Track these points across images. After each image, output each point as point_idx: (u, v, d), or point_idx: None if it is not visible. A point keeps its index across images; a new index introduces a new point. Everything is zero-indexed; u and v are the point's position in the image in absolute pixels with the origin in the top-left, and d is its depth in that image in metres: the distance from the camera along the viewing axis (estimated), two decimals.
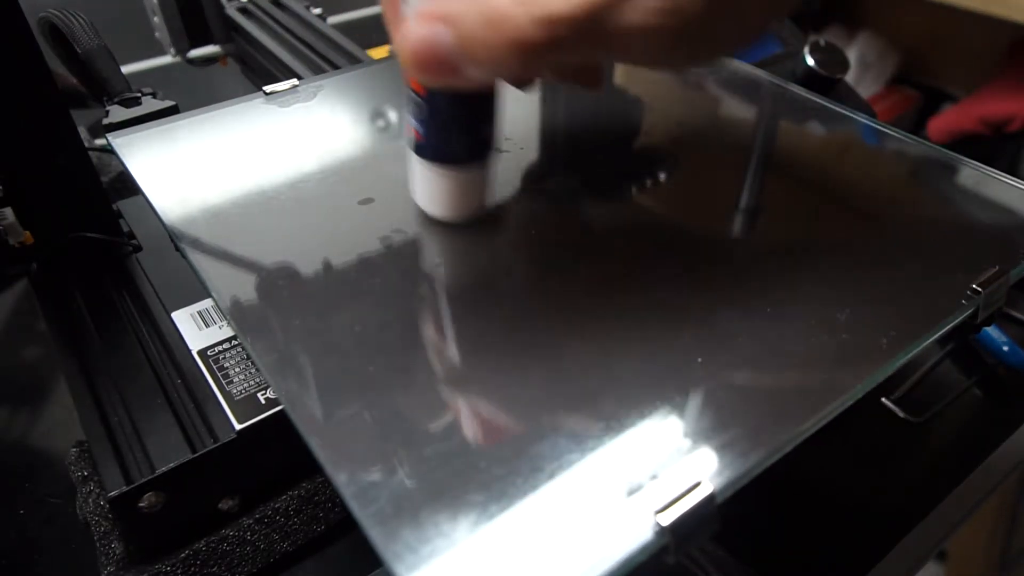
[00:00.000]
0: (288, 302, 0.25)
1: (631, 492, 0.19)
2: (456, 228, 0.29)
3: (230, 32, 0.57)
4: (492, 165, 0.28)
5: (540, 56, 0.21)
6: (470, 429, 0.21)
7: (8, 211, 0.35)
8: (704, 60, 0.24)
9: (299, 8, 0.55)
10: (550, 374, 0.23)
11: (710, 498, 0.19)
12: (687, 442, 0.20)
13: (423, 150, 0.27)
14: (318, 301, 0.25)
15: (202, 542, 0.29)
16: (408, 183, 0.29)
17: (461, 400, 0.22)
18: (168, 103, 0.39)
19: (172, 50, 0.56)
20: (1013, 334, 0.39)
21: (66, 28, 0.41)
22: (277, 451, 0.29)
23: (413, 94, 0.26)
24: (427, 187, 0.28)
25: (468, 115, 0.26)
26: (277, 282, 0.26)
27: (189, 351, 0.31)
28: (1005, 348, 0.39)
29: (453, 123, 0.26)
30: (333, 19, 0.57)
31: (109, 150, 0.37)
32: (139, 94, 0.40)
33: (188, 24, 0.55)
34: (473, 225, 0.29)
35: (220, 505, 0.29)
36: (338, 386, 0.22)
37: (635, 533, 0.18)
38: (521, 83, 0.28)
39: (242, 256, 0.27)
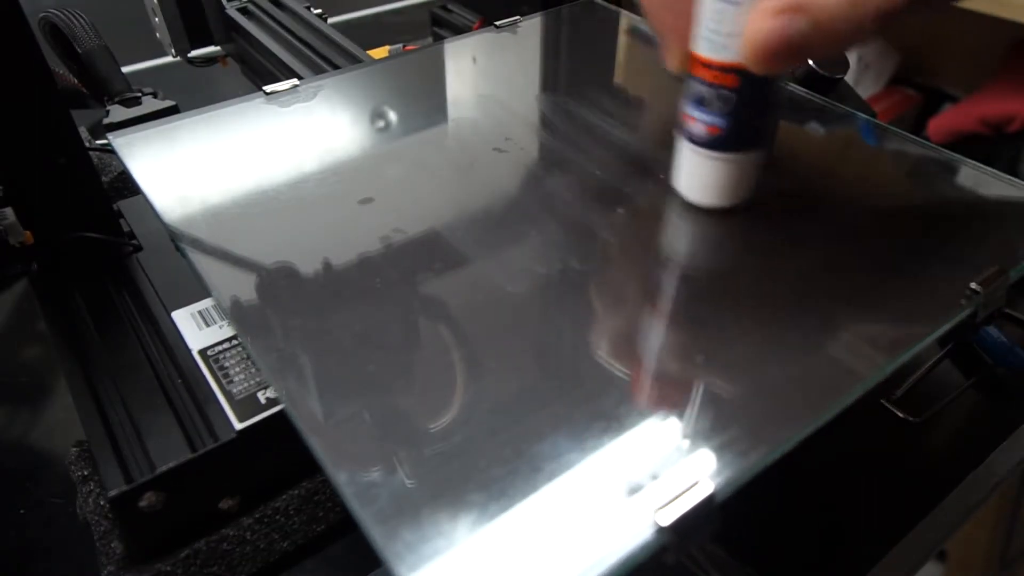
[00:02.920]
0: (288, 302, 0.25)
1: (631, 492, 0.19)
2: (453, 226, 0.29)
3: (230, 32, 0.57)
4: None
5: (899, 16, 0.22)
6: (470, 427, 0.21)
7: (8, 211, 0.35)
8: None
9: (299, 8, 0.55)
10: (550, 374, 0.23)
11: (710, 498, 0.19)
12: (687, 442, 0.20)
13: (723, 143, 0.28)
14: (318, 301, 0.26)
15: (202, 542, 0.29)
16: (674, 178, 0.30)
17: (461, 399, 0.22)
18: (168, 103, 0.39)
19: (172, 50, 0.56)
20: (1013, 334, 0.39)
21: (66, 28, 0.41)
22: (277, 451, 0.29)
23: (716, 89, 0.26)
24: (722, 179, 0.29)
25: (771, 98, 0.28)
26: (277, 282, 0.26)
27: (189, 351, 0.31)
28: (1005, 348, 0.39)
29: (762, 109, 0.27)
30: (333, 19, 0.57)
31: (109, 150, 0.37)
32: (139, 94, 0.40)
33: (188, 24, 0.55)
34: (473, 226, 0.29)
35: (220, 505, 0.29)
36: (338, 386, 0.22)
37: (635, 532, 0.18)
38: None
39: (242, 256, 0.27)
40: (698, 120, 0.28)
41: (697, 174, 0.29)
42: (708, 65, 0.26)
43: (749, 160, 0.28)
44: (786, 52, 0.23)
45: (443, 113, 0.37)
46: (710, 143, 0.28)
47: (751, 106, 0.27)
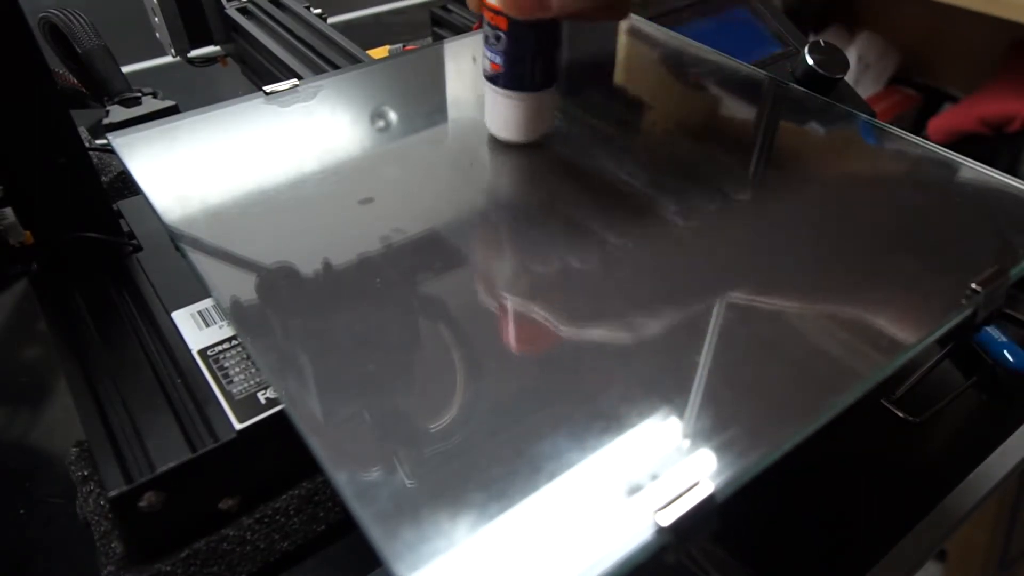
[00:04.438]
0: (288, 302, 0.25)
1: (631, 492, 0.19)
2: (453, 227, 0.29)
3: (230, 32, 0.57)
4: (555, 91, 0.32)
5: None
6: (470, 427, 0.21)
7: (8, 211, 0.35)
8: None
9: (299, 8, 0.55)
10: (549, 373, 0.23)
11: (710, 498, 0.19)
12: (687, 442, 0.20)
13: (499, 79, 0.31)
14: (318, 301, 0.25)
15: (202, 542, 0.29)
16: (484, 115, 0.33)
17: (461, 399, 0.22)
18: (168, 103, 0.39)
19: (172, 50, 0.56)
20: (1013, 334, 0.39)
21: (66, 28, 0.41)
22: (277, 451, 0.29)
23: (493, 28, 0.30)
24: (502, 113, 0.32)
25: (541, 44, 0.30)
26: (277, 282, 0.26)
27: (189, 351, 0.31)
28: (1005, 348, 0.39)
29: (529, 53, 0.30)
30: (333, 19, 0.57)
31: (109, 150, 0.37)
32: (139, 94, 0.40)
33: (188, 24, 0.55)
34: (473, 226, 0.29)
35: (220, 505, 0.29)
36: (338, 386, 0.22)
37: (635, 532, 0.18)
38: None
39: (242, 256, 0.27)
40: (485, 56, 0.31)
41: (491, 108, 0.32)
42: (487, 6, 0.30)
43: (533, 99, 0.31)
44: (531, 3, 0.27)
45: (443, 113, 0.37)
46: (493, 79, 0.31)
47: (522, 47, 0.30)
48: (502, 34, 0.30)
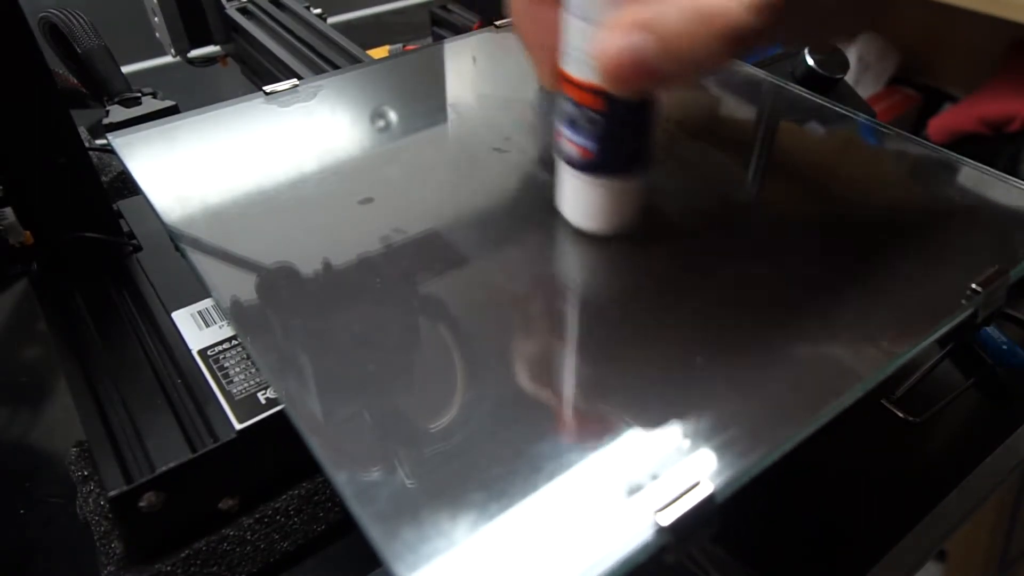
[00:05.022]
0: (288, 302, 0.25)
1: (631, 492, 0.19)
2: (454, 228, 0.29)
3: (230, 32, 0.57)
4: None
5: (751, 44, 0.20)
6: (470, 427, 0.21)
7: (8, 211, 0.35)
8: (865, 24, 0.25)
9: (299, 8, 0.55)
10: (548, 373, 0.23)
11: (710, 498, 0.19)
12: (687, 442, 0.20)
13: (596, 167, 0.26)
14: (318, 301, 0.26)
15: (202, 542, 0.29)
16: (557, 201, 0.28)
17: (461, 399, 0.22)
18: (168, 103, 0.39)
19: (172, 50, 0.56)
20: (1013, 334, 0.39)
21: (66, 28, 0.41)
22: (277, 451, 0.29)
23: (583, 110, 0.25)
24: (595, 203, 0.27)
25: (644, 122, 0.26)
26: (277, 282, 0.26)
27: (189, 351, 0.31)
28: (1005, 348, 0.39)
29: (633, 133, 0.25)
30: (333, 19, 0.57)
31: (109, 150, 0.37)
32: (139, 94, 0.40)
33: (188, 24, 0.55)
34: (473, 226, 0.29)
35: (220, 505, 0.29)
36: (338, 386, 0.22)
37: (635, 533, 0.18)
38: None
39: (242, 256, 0.27)
40: (571, 141, 0.26)
41: (574, 197, 0.28)
42: (576, 85, 0.24)
43: (626, 187, 0.27)
44: (637, 72, 0.21)
45: (443, 113, 0.37)
46: (583, 166, 0.26)
47: (622, 130, 0.25)
48: (597, 116, 0.25)
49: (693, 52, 0.21)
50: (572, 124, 0.25)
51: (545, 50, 0.25)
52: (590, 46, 0.23)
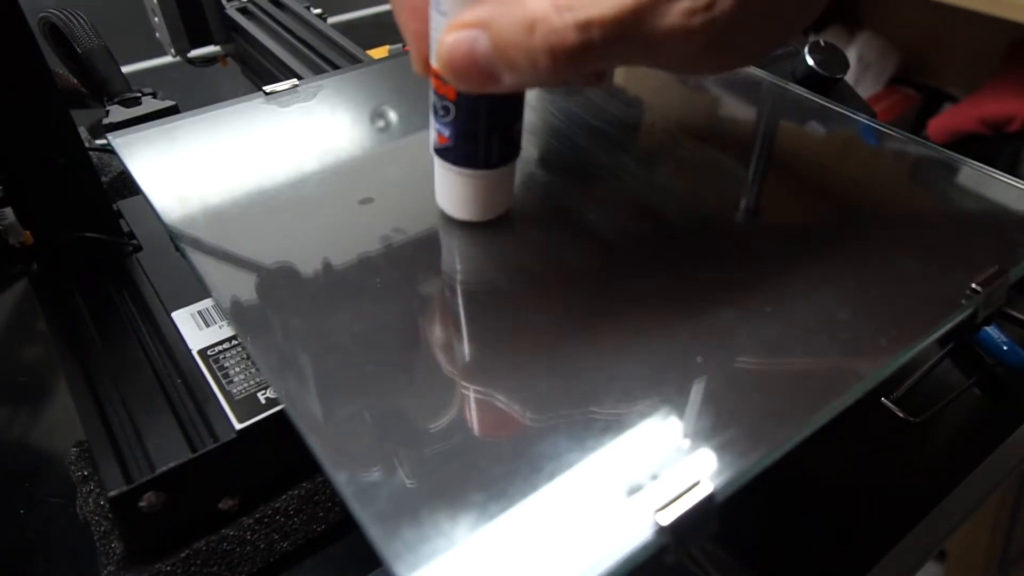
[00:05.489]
0: (288, 302, 0.25)
1: (631, 492, 0.19)
2: (456, 228, 0.29)
3: (230, 32, 0.57)
4: (515, 166, 0.28)
5: (577, 61, 0.21)
6: (470, 428, 0.21)
7: (8, 211, 0.35)
8: (732, 65, 0.25)
9: (299, 8, 0.55)
10: (549, 373, 0.23)
11: (710, 498, 0.19)
12: (687, 442, 0.20)
13: (449, 154, 0.27)
14: (318, 301, 0.26)
15: (202, 542, 0.29)
16: (433, 187, 0.29)
17: (461, 399, 0.22)
18: (168, 103, 0.39)
19: (172, 50, 0.56)
20: (1013, 334, 0.39)
21: (66, 28, 0.41)
22: (277, 451, 0.29)
23: (440, 99, 0.26)
24: (451, 190, 0.28)
25: (496, 118, 0.26)
26: (277, 282, 0.26)
27: (189, 351, 0.31)
28: (1005, 348, 0.39)
29: (482, 127, 0.26)
30: (333, 19, 0.57)
31: (109, 150, 0.37)
32: (139, 94, 0.40)
33: (188, 24, 0.55)
34: (473, 225, 0.29)
35: (220, 505, 0.29)
36: (338, 386, 0.22)
37: (635, 533, 0.18)
38: (588, 79, 0.27)
39: (242, 256, 0.27)
40: (432, 127, 0.27)
41: (440, 182, 0.28)
42: (434, 73, 0.25)
43: (486, 177, 0.27)
44: (469, 68, 0.22)
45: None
46: (440, 152, 0.27)
47: (475, 122, 0.26)
48: (450, 105, 0.25)
49: (521, 59, 0.21)
50: (434, 111, 0.26)
51: (417, 37, 0.25)
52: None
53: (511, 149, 0.27)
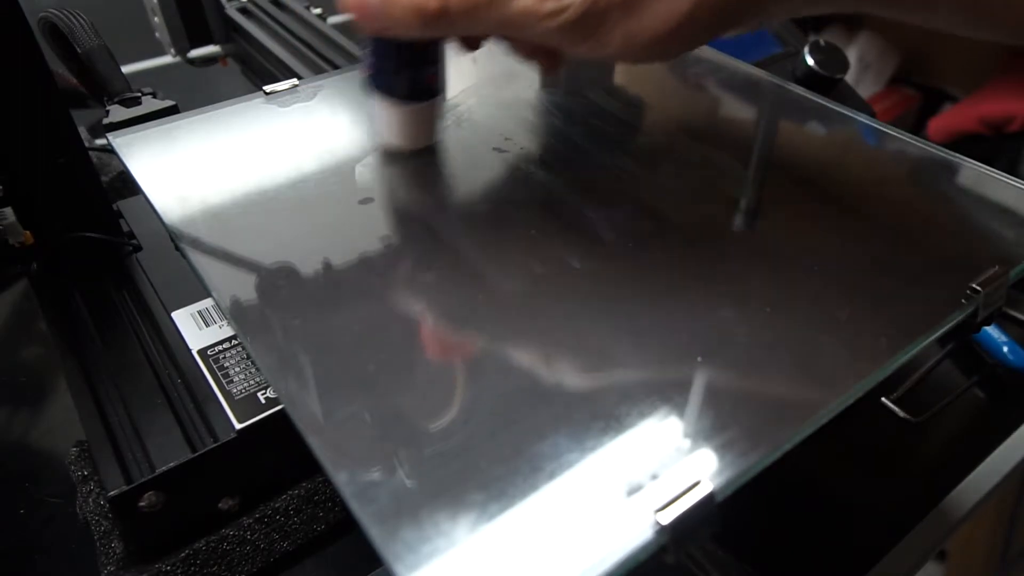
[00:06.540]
0: (288, 302, 0.25)
1: (631, 491, 0.19)
2: (456, 229, 0.29)
3: (230, 32, 0.57)
4: (437, 106, 0.32)
5: (438, 24, 0.25)
6: (470, 427, 0.21)
7: (8, 211, 0.35)
8: (637, 50, 0.25)
9: (299, 8, 0.55)
10: (549, 373, 0.23)
11: (710, 497, 0.19)
12: (687, 442, 0.20)
13: (370, 82, 0.31)
14: (318, 301, 0.25)
15: (202, 542, 0.29)
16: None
17: (461, 399, 0.22)
18: (168, 103, 0.39)
19: (172, 50, 0.56)
20: (1013, 334, 0.39)
21: (66, 28, 0.41)
22: (277, 451, 0.29)
23: (365, 36, 0.29)
24: (375, 117, 0.32)
25: (406, 58, 0.30)
26: (277, 282, 0.26)
27: (189, 351, 0.31)
28: (1005, 348, 0.39)
29: (390, 64, 0.30)
30: (333, 19, 0.57)
31: (109, 150, 0.37)
32: (139, 94, 0.40)
33: (188, 24, 0.55)
34: (473, 226, 0.29)
35: (220, 505, 0.29)
36: (338, 386, 0.22)
37: (635, 532, 0.18)
38: (465, 44, 0.31)
39: (242, 256, 0.27)
40: (361, 58, 0.31)
41: (375, 112, 0.32)
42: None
43: (401, 109, 0.31)
44: (365, 14, 0.26)
45: (443, 113, 0.37)
46: (366, 82, 0.31)
47: (385, 57, 0.30)
48: (368, 40, 0.29)
49: (397, 13, 0.25)
50: (364, 44, 0.30)
51: None
52: None
53: (424, 89, 0.31)
